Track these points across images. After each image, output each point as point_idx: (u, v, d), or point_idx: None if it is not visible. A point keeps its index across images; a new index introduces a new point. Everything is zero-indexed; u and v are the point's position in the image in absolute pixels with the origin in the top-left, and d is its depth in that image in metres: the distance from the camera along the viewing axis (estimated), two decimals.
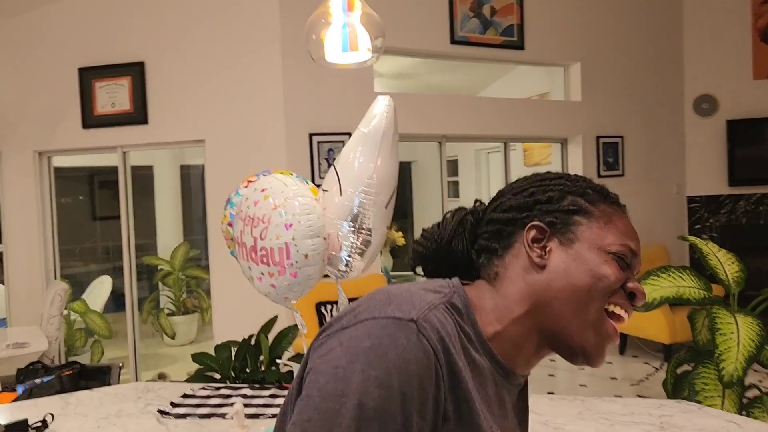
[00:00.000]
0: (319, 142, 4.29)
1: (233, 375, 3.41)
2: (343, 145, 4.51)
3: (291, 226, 1.42)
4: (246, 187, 1.66)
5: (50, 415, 1.75)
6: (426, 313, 0.66)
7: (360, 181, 1.52)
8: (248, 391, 2.04)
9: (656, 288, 2.59)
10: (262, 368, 3.56)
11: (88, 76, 4.39)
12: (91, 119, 4.40)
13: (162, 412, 1.87)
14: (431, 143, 4.99)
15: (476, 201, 0.86)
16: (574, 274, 0.73)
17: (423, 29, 4.60)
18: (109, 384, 2.41)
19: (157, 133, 4.34)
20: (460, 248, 0.81)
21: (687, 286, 2.59)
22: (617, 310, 0.74)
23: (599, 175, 5.40)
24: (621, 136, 5.49)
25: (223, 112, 4.24)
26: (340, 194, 1.52)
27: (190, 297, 7.01)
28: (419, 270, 0.86)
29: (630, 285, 0.74)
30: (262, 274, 1.48)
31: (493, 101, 5.22)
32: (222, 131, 4.24)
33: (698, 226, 5.87)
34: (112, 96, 4.37)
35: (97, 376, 2.40)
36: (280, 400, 1.92)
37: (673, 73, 5.79)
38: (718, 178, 5.81)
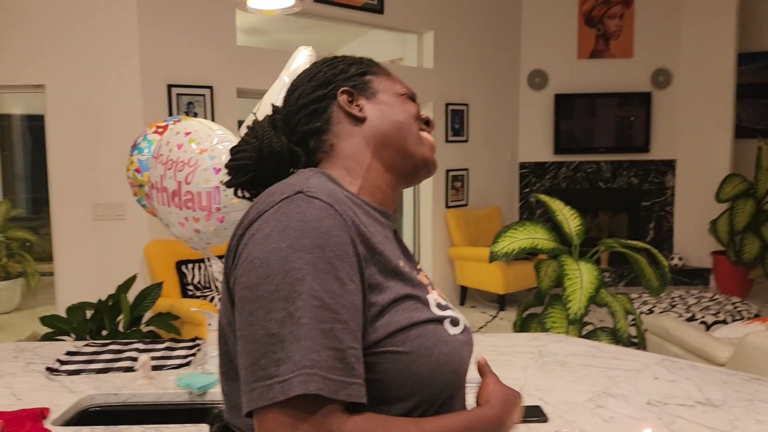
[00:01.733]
0: (178, 95, 4.08)
1: (89, 337, 3.22)
2: (205, 99, 4.34)
3: (220, 170, 1.41)
4: (157, 132, 1.59)
5: None
6: (305, 183, 0.75)
7: None
8: (140, 345, 1.97)
9: (515, 240, 2.90)
10: (120, 329, 3.39)
11: None
12: None
13: (51, 370, 1.75)
14: None
15: (272, 105, 0.95)
16: (390, 114, 0.89)
17: None
18: None
19: None
20: (279, 147, 0.88)
21: (540, 238, 2.93)
22: (424, 133, 0.93)
23: (447, 140, 5.76)
24: (466, 104, 5.88)
25: (68, 57, 3.85)
26: None
27: (12, 261, 6.34)
28: (240, 192, 0.91)
29: (423, 115, 0.94)
30: (186, 219, 1.44)
31: None
32: (67, 77, 3.86)
33: (527, 189, 6.52)
34: None
35: None
36: (179, 351, 1.90)
37: (512, 48, 6.30)
38: (545, 147, 6.48)
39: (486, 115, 6.10)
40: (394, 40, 5.98)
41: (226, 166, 0.91)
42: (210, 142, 1.43)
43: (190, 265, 3.94)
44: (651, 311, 4.50)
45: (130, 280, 3.58)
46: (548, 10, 6.29)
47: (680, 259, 6.41)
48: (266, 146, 0.87)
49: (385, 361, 0.73)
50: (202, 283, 3.94)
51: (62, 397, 1.57)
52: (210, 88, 4.22)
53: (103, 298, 3.46)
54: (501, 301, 5.59)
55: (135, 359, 1.81)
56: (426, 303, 0.78)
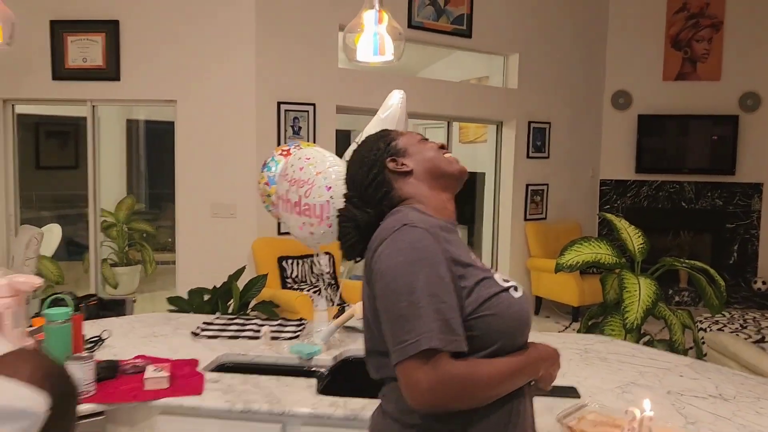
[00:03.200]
0: (286, 111, 4.64)
1: None
2: (308, 115, 4.86)
3: (330, 188, 1.86)
4: (283, 155, 2.07)
5: (107, 332, 2.12)
6: (407, 218, 1.19)
7: None
8: (259, 321, 2.47)
9: (579, 253, 3.21)
10: (230, 312, 3.95)
11: (60, 29, 4.50)
12: (61, 71, 4.52)
13: (194, 334, 2.27)
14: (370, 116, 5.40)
15: (344, 194, 1.39)
16: (422, 157, 1.30)
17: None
18: (125, 315, 2.74)
19: (128, 90, 4.54)
20: (368, 218, 1.30)
21: (603, 253, 3.22)
22: (447, 155, 1.33)
23: (528, 156, 6.06)
24: (549, 122, 6.15)
25: (195, 75, 4.49)
26: None
27: (132, 249, 7.16)
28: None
29: (438, 143, 1.35)
30: (303, 224, 1.90)
31: (441, 83, 5.70)
32: (194, 93, 4.51)
33: (607, 206, 6.68)
34: (84, 51, 4.52)
35: (113, 308, 2.72)
36: (289, 327, 2.37)
37: (597, 69, 6.50)
38: (627, 165, 6.62)
39: (568, 133, 6.34)
40: (481, 59, 6.33)
41: (341, 248, 1.36)
42: (324, 167, 1.88)
43: (289, 261, 4.48)
44: (721, 330, 4.61)
45: (240, 271, 4.16)
46: (634, 33, 6.45)
47: (764, 282, 6.36)
48: (361, 222, 1.31)
49: (480, 322, 1.14)
50: (300, 277, 4.47)
51: (205, 353, 2.07)
52: (313, 105, 4.75)
53: (215, 285, 4.05)
54: (575, 314, 5.81)
55: (257, 331, 2.30)
56: (494, 280, 1.19)
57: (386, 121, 2.01)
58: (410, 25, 5.12)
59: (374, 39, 1.90)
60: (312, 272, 4.54)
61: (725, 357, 3.28)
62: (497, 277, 1.22)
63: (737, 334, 4.41)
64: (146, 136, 7.99)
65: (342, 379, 2.05)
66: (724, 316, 4.74)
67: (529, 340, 1.24)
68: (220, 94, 4.52)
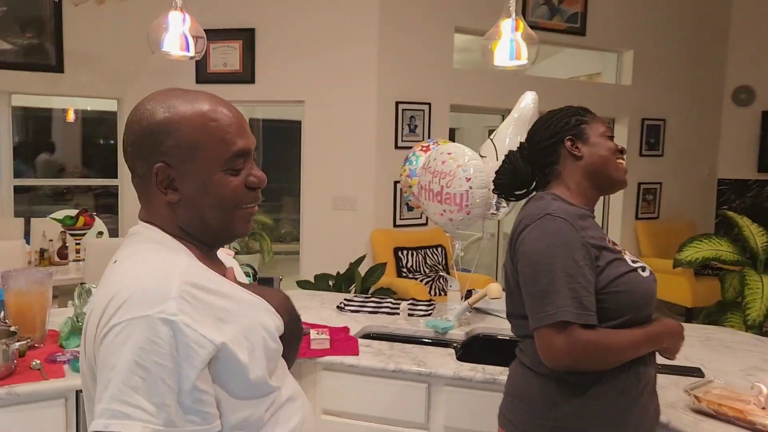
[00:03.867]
0: (403, 110, 4.91)
1: None
2: (424, 114, 5.09)
3: (470, 179, 2.08)
4: (423, 151, 2.31)
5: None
6: (550, 207, 1.37)
7: None
8: (392, 300, 2.74)
9: (699, 250, 3.24)
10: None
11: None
12: (204, 76, 5.04)
13: (339, 308, 2.57)
14: (474, 114, 5.54)
15: (521, 142, 1.56)
16: (597, 152, 1.43)
17: (497, 12, 5.15)
18: None
19: (262, 92, 4.97)
20: (525, 172, 1.52)
21: (723, 250, 3.24)
22: (619, 161, 1.45)
23: (640, 154, 6.00)
24: (663, 120, 6.05)
25: (322, 77, 4.86)
26: (497, 159, 2.17)
27: (252, 239, 7.72)
28: (502, 196, 1.61)
29: (619, 147, 1.45)
30: (444, 211, 2.14)
31: (551, 81, 5.78)
32: (320, 94, 4.87)
33: (725, 206, 6.46)
34: (224, 57, 5.00)
35: (263, 284, 3.09)
36: (420, 307, 2.61)
37: (716, 64, 6.30)
38: (748, 164, 6.38)
39: (684, 131, 6.21)
40: (592, 55, 6.31)
41: (493, 182, 1.58)
42: (464, 160, 2.10)
43: (405, 252, 4.75)
44: None
45: (360, 259, 4.47)
46: (759, 25, 6.20)
47: None
48: (518, 172, 1.52)
49: (611, 297, 1.33)
50: (414, 267, 4.73)
51: (352, 323, 2.35)
52: (428, 104, 4.99)
53: (338, 272, 4.38)
54: (688, 315, 5.70)
55: (392, 307, 2.56)
56: (624, 261, 1.37)
57: (519, 121, 2.21)
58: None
59: (510, 45, 2.09)
60: (426, 263, 4.78)
61: None
62: (627, 258, 1.39)
63: None
64: (265, 133, 8.57)
65: (473, 353, 2.27)
66: None
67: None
68: (344, 95, 4.85)
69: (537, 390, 1.38)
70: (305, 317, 2.41)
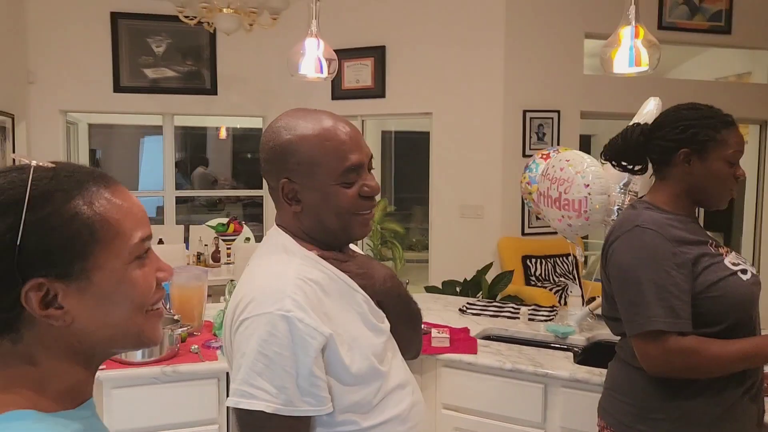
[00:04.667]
0: (531, 118, 4.91)
1: None
2: (552, 122, 5.04)
3: (588, 186, 2.11)
4: (543, 158, 2.37)
5: None
6: (639, 219, 1.39)
7: None
8: (514, 305, 2.79)
9: None
10: None
11: (339, 56, 5.33)
12: (339, 92, 5.37)
13: (462, 310, 2.68)
14: (610, 121, 5.36)
15: (646, 123, 1.50)
16: (709, 175, 1.39)
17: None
18: None
19: (392, 105, 5.21)
20: (635, 152, 1.49)
21: None
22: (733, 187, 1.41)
23: None
24: None
25: (449, 89, 4.99)
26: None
27: (384, 247, 8.00)
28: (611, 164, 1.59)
29: (739, 172, 1.41)
30: (563, 216, 2.18)
31: (692, 83, 5.48)
32: (448, 105, 5.01)
33: None
34: (357, 74, 5.31)
35: None
36: (542, 312, 2.65)
37: None
38: None
39: None
40: (740, 54, 5.89)
41: (606, 145, 1.60)
42: (582, 167, 2.13)
43: (534, 260, 4.74)
44: None
45: (487, 267, 4.52)
46: None
47: None
48: (629, 148, 1.51)
49: (707, 302, 1.34)
50: (543, 275, 4.70)
51: (472, 325, 2.44)
52: (558, 112, 4.95)
53: (465, 278, 4.46)
54: None
55: (514, 312, 2.63)
56: (723, 265, 1.36)
57: None
58: (660, 27, 5.03)
59: (630, 52, 2.10)
60: (555, 272, 4.73)
61: None
62: (727, 261, 1.38)
63: None
64: (396, 145, 8.86)
65: (594, 359, 2.27)
66: None
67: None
68: (471, 106, 4.95)
69: (633, 382, 1.42)
70: (428, 318, 2.55)
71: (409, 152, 7.61)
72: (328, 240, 1.13)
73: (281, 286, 1.01)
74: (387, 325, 1.16)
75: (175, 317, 2.06)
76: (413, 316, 1.29)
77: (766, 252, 5.65)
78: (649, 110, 2.19)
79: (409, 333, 1.27)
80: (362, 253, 1.24)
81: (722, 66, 6.19)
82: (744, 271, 1.38)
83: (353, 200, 1.09)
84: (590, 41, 5.13)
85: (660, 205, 1.45)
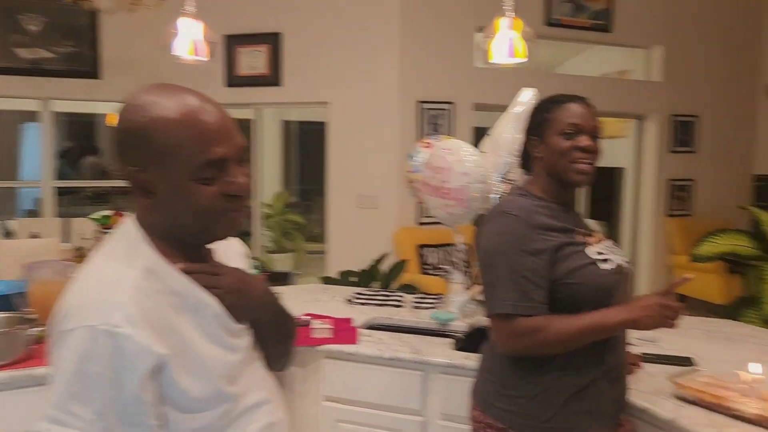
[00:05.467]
0: (425, 109, 4.97)
1: None
2: (447, 113, 5.13)
3: (467, 174, 2.14)
4: (426, 147, 2.38)
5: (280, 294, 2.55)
6: (508, 205, 1.45)
7: (509, 147, 2.22)
8: (401, 294, 2.80)
9: (716, 245, 3.22)
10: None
11: (233, 42, 5.17)
12: (233, 79, 5.20)
13: (348, 300, 2.66)
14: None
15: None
16: (551, 154, 1.45)
17: (520, 11, 5.16)
18: (288, 285, 3.21)
19: (288, 94, 5.11)
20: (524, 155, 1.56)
21: (741, 245, 3.20)
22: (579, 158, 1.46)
23: (670, 151, 5.91)
24: (696, 116, 5.95)
25: (345, 79, 4.96)
26: (496, 155, 2.22)
27: (286, 238, 7.88)
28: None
29: (580, 144, 1.44)
30: (444, 205, 2.20)
31: (578, 78, 5.75)
32: (344, 95, 4.98)
33: (763, 203, 6.29)
34: (252, 60, 5.16)
35: (279, 279, 3.21)
36: (428, 300, 2.68)
37: (750, 58, 6.16)
38: None
39: (718, 127, 6.08)
40: (622, 52, 6.24)
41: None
42: (461, 156, 2.16)
43: (428, 249, 4.81)
44: None
45: (383, 257, 4.55)
46: None
47: None
48: (521, 154, 1.58)
49: (566, 288, 1.38)
50: (437, 264, 4.78)
51: (358, 315, 2.43)
52: (452, 103, 5.04)
53: (362, 269, 4.47)
54: (720, 312, 5.58)
55: (400, 301, 2.64)
56: (585, 253, 1.41)
57: (518, 116, 2.25)
58: (547, 23, 5.24)
59: (507, 43, 2.14)
60: (448, 260, 4.83)
61: None
62: (591, 250, 1.43)
63: None
64: (299, 135, 8.74)
65: (475, 343, 2.32)
66: None
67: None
68: (367, 96, 4.95)
69: (496, 361, 1.48)
70: (314, 309, 2.51)
71: (312, 143, 7.54)
72: (185, 239, 1.00)
73: (113, 296, 0.88)
74: (245, 340, 1.06)
75: (30, 316, 1.90)
76: (288, 331, 1.21)
77: (643, 241, 6.04)
78: (524, 100, 2.25)
79: (280, 348, 1.19)
80: (233, 267, 1.09)
81: (606, 63, 6.54)
82: (606, 261, 1.43)
83: (214, 200, 0.95)
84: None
85: (534, 192, 1.50)
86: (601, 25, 5.46)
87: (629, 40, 5.72)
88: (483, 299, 1.45)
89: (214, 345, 0.97)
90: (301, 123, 8.66)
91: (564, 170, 1.46)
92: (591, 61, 6.72)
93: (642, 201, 6.05)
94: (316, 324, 2.13)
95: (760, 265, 3.09)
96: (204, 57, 2.63)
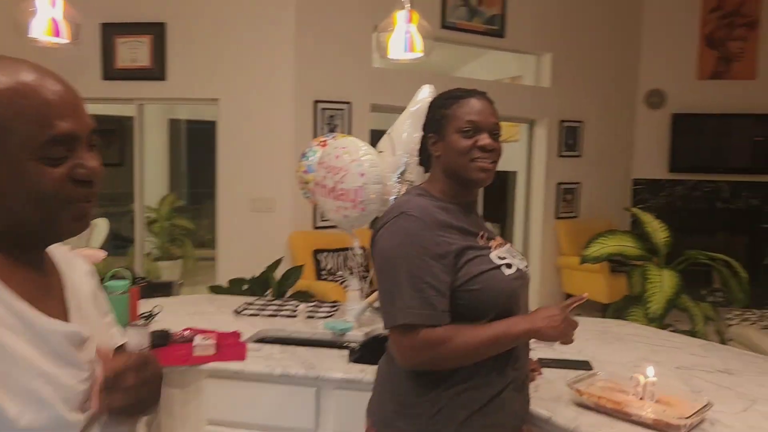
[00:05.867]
0: (322, 109, 4.83)
1: None
2: (344, 113, 5.02)
3: (363, 174, 2.01)
4: (321, 145, 2.24)
5: (158, 307, 2.32)
6: (406, 206, 1.33)
7: (407, 146, 2.12)
8: (295, 303, 2.64)
9: (604, 246, 3.30)
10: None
11: (111, 31, 4.77)
12: (111, 72, 4.80)
13: (237, 312, 2.46)
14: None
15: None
16: (450, 153, 1.36)
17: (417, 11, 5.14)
18: (171, 296, 2.95)
19: (174, 89, 4.78)
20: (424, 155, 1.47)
21: (627, 245, 3.31)
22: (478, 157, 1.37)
23: (559, 155, 6.13)
24: (581, 121, 6.21)
25: (237, 75, 4.71)
26: (393, 155, 2.12)
27: (173, 244, 7.44)
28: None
29: (480, 143, 1.35)
30: (338, 207, 2.07)
31: (473, 82, 5.82)
32: (235, 92, 4.73)
33: (641, 205, 6.67)
34: (133, 52, 4.78)
35: (162, 290, 2.94)
36: (323, 308, 2.53)
37: (630, 68, 6.52)
38: (661, 165, 6.62)
39: (601, 132, 6.38)
40: (515, 58, 6.41)
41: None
42: (358, 155, 2.04)
43: (325, 254, 4.66)
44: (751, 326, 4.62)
45: (277, 263, 4.34)
46: (669, 32, 6.46)
47: None
48: (421, 153, 1.48)
49: (468, 295, 1.29)
50: (334, 269, 4.64)
51: (247, 328, 2.25)
52: (349, 103, 4.93)
53: (254, 276, 4.24)
54: (605, 311, 5.84)
55: (294, 310, 2.47)
56: (488, 258, 1.32)
57: (416, 114, 2.16)
58: (443, 26, 5.25)
59: (405, 37, 2.05)
60: (346, 265, 4.71)
61: (750, 350, 3.33)
62: (494, 254, 1.35)
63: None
64: (188, 135, 8.30)
65: (372, 353, 2.21)
66: (754, 314, 4.75)
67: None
68: (260, 93, 4.73)
69: (394, 377, 1.36)
70: (198, 323, 2.29)
71: (203, 143, 7.17)
72: (22, 238, 0.83)
73: None
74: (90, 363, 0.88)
75: None
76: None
77: (534, 242, 6.22)
78: (423, 97, 2.17)
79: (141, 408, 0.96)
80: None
81: (500, 68, 6.69)
82: (509, 266, 1.35)
83: (59, 184, 0.82)
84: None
85: (433, 192, 1.40)
86: (495, 30, 5.55)
87: (521, 46, 5.87)
88: (381, 308, 1.32)
89: (53, 365, 0.81)
90: (190, 122, 8.23)
91: (464, 169, 1.36)
92: (486, 67, 6.86)
93: (533, 203, 6.23)
94: (197, 340, 1.93)
95: (645, 265, 3.20)
96: (65, 39, 2.33)
